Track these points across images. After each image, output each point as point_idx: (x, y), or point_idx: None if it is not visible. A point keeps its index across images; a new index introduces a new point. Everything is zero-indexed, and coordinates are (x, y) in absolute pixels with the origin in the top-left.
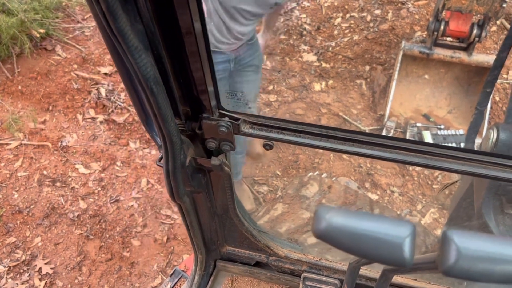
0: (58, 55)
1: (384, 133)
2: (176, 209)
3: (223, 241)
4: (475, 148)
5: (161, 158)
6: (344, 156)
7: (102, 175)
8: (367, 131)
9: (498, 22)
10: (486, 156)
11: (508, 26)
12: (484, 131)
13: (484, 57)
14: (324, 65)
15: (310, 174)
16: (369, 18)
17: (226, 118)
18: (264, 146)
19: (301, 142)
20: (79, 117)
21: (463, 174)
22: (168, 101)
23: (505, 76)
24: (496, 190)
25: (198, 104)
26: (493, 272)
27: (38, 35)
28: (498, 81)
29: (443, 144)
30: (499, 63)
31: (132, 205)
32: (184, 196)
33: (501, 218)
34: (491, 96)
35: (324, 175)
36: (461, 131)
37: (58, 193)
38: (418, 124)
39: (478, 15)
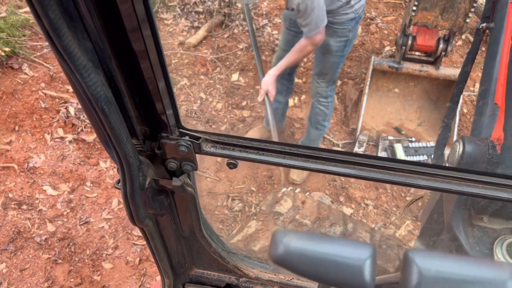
0: (25, 73)
1: (356, 147)
2: None
3: (191, 263)
4: (445, 160)
5: (119, 181)
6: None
7: (71, 196)
8: (340, 145)
9: (463, 37)
10: (453, 172)
11: (472, 39)
12: (453, 141)
13: (451, 70)
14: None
15: (284, 189)
16: None
17: (187, 137)
18: (228, 165)
19: (264, 160)
20: (47, 137)
21: (432, 190)
22: (123, 121)
23: (471, 88)
24: (465, 203)
25: (156, 123)
26: None
27: (3, 54)
28: (465, 93)
29: (414, 155)
30: (464, 77)
31: (103, 227)
32: (145, 220)
33: (470, 230)
34: (458, 109)
35: (298, 190)
36: (432, 143)
37: (24, 216)
38: (389, 137)
39: (444, 30)
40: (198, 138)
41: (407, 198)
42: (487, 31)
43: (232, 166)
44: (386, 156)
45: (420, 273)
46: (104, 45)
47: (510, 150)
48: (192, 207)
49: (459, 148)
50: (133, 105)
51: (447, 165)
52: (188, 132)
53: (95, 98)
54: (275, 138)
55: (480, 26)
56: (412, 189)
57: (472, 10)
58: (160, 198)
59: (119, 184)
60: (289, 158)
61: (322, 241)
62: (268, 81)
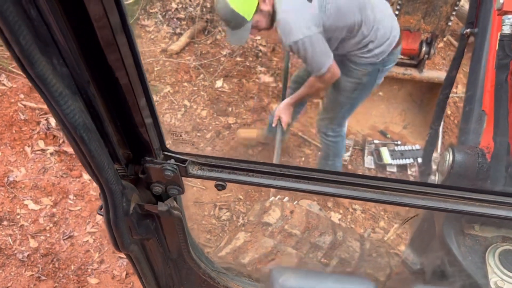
0: (3, 84)
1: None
2: None
3: (179, 285)
4: (432, 166)
5: (101, 207)
6: None
7: (54, 210)
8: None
9: (445, 39)
10: (444, 190)
11: (454, 42)
12: (439, 146)
13: (434, 73)
14: (281, 85)
15: (272, 198)
16: None
17: (172, 161)
18: (216, 186)
19: (255, 182)
20: (28, 149)
21: (421, 208)
22: (104, 147)
23: (454, 90)
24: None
25: (139, 146)
26: None
27: None
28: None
29: (400, 159)
30: (449, 82)
31: (87, 241)
32: (131, 246)
33: (461, 239)
34: (444, 114)
35: (286, 199)
36: (417, 146)
37: (5, 232)
38: (375, 141)
39: (426, 33)
40: (184, 161)
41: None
42: (472, 36)
43: (221, 187)
44: (372, 160)
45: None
46: (82, 69)
47: (500, 159)
48: (180, 229)
49: (449, 158)
50: (114, 129)
51: (436, 173)
52: (173, 155)
53: (73, 126)
54: (276, 160)
55: (464, 32)
56: None
57: (454, 13)
58: (145, 222)
59: (102, 210)
60: (280, 179)
61: (319, 279)
62: (282, 109)
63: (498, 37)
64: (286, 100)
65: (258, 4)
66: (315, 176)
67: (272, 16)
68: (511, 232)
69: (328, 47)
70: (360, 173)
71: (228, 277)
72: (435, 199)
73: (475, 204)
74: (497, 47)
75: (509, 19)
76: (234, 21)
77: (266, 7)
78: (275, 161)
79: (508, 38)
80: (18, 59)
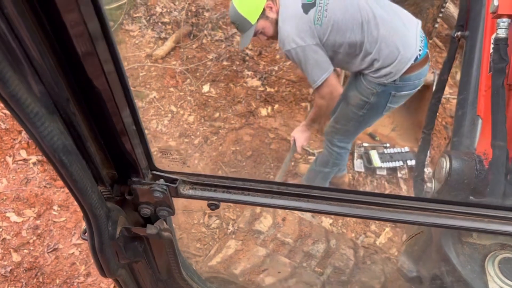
0: None
1: None
2: None
3: None
4: (425, 172)
5: (85, 231)
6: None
7: (38, 222)
8: (316, 153)
9: (431, 41)
10: (440, 205)
11: (440, 44)
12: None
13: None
14: (269, 89)
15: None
16: None
17: (161, 180)
18: (209, 206)
19: (250, 201)
20: (9, 159)
21: (412, 224)
22: (87, 169)
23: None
24: None
25: (125, 166)
26: None
27: None
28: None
29: (390, 161)
30: (441, 86)
31: (73, 253)
32: (117, 270)
33: (460, 247)
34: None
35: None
36: (406, 148)
37: None
38: (364, 144)
39: None
40: (174, 181)
41: None
42: (462, 39)
43: (214, 207)
44: (362, 163)
45: None
46: (60, 87)
47: (499, 166)
48: (170, 251)
49: (446, 165)
50: (97, 148)
51: (433, 180)
52: (162, 174)
53: (52, 149)
54: (279, 177)
55: (455, 35)
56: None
57: (440, 15)
58: (133, 245)
59: (86, 234)
60: (278, 197)
61: None
62: (298, 131)
63: (492, 41)
64: (303, 123)
65: (265, 10)
66: (314, 194)
67: (277, 24)
68: (509, 239)
69: (326, 60)
70: (360, 190)
71: None
72: (431, 214)
73: (471, 219)
74: (491, 51)
75: (503, 22)
76: (240, 24)
77: (272, 15)
78: (277, 178)
79: (503, 42)
80: None
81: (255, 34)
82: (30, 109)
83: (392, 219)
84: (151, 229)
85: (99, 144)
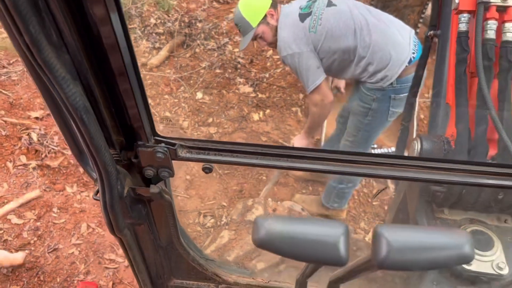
0: None
1: None
2: (120, 251)
3: (169, 274)
4: None
5: (97, 192)
6: (288, 182)
7: (38, 223)
8: None
9: None
10: (412, 161)
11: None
12: None
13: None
14: (260, 95)
15: (255, 198)
16: None
17: (162, 144)
18: (203, 169)
19: (239, 161)
20: (9, 165)
21: (394, 179)
22: (101, 131)
23: (426, 95)
24: (427, 198)
25: (132, 132)
26: (420, 260)
27: None
28: (421, 100)
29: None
30: (417, 81)
31: (73, 252)
32: (124, 229)
33: (433, 223)
34: (415, 113)
35: (269, 199)
36: (393, 149)
37: None
38: None
39: None
40: (173, 145)
41: (374, 203)
42: (435, 38)
43: (208, 170)
44: None
45: (388, 244)
46: (82, 58)
47: (462, 144)
48: (170, 214)
49: (417, 146)
50: (109, 115)
51: None
52: (163, 139)
53: (74, 108)
54: (268, 187)
55: (428, 34)
56: (379, 195)
57: (421, 20)
58: (138, 207)
59: (98, 195)
60: (262, 158)
61: (299, 223)
62: (298, 138)
63: (456, 35)
64: (302, 131)
65: (266, 17)
66: (293, 154)
67: (276, 32)
68: (477, 214)
69: (319, 67)
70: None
71: (216, 264)
72: (407, 170)
73: (444, 173)
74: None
75: (464, 17)
76: (242, 26)
77: (272, 22)
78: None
79: (464, 35)
80: (27, 46)
81: (254, 38)
82: (59, 73)
83: (367, 174)
84: (154, 189)
85: (111, 111)
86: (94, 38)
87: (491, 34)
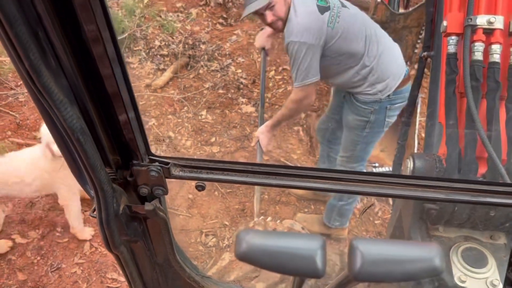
0: None
1: None
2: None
3: None
4: None
5: (94, 209)
6: (290, 201)
7: (42, 243)
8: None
9: (415, 66)
10: (405, 179)
11: None
12: None
13: None
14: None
15: (255, 219)
16: None
17: (156, 163)
18: (196, 187)
19: (229, 179)
20: None
21: (387, 197)
22: (97, 151)
23: (424, 112)
24: (421, 215)
25: (127, 152)
26: (394, 271)
27: None
28: (422, 119)
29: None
30: (412, 101)
31: (75, 272)
32: (120, 246)
33: (428, 240)
34: (415, 131)
35: (269, 219)
36: None
37: None
38: None
39: None
40: (167, 164)
41: (376, 222)
42: (429, 58)
43: (201, 188)
44: None
45: (362, 256)
46: (79, 82)
47: (453, 162)
48: (165, 231)
49: (410, 164)
50: (105, 136)
51: None
52: (157, 158)
53: (72, 129)
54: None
55: (422, 55)
56: (380, 213)
57: (419, 41)
58: (134, 224)
59: (95, 212)
60: (252, 176)
61: (279, 237)
62: (262, 130)
63: (445, 57)
64: (267, 122)
65: None
66: (285, 172)
67: (288, 13)
68: (471, 231)
69: (317, 67)
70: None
71: (212, 281)
72: (400, 188)
73: (436, 191)
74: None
75: (452, 39)
76: None
77: None
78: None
79: (453, 56)
80: (27, 72)
81: (266, 7)
82: (57, 97)
83: (362, 192)
84: (148, 206)
85: (107, 132)
86: (90, 64)
87: (478, 55)
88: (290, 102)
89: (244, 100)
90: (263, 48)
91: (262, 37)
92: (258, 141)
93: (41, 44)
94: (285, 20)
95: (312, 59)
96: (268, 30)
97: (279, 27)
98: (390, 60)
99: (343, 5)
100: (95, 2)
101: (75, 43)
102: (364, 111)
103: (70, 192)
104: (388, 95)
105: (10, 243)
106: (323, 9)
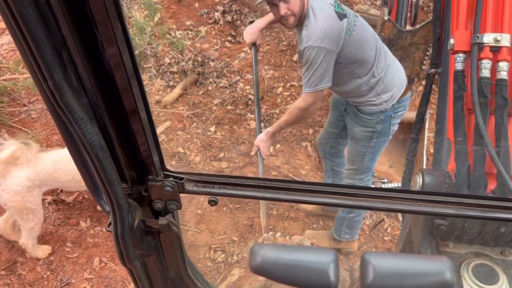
0: (3, 139)
1: None
2: (131, 286)
3: None
4: None
5: (109, 224)
6: (299, 216)
7: (52, 258)
8: None
9: (423, 83)
10: (413, 194)
11: None
12: None
13: (414, 113)
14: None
15: (265, 235)
16: None
17: (171, 178)
18: (209, 202)
19: (242, 194)
20: None
21: (396, 212)
22: (114, 166)
23: (432, 128)
24: (431, 231)
25: (143, 167)
26: (405, 285)
27: None
28: (430, 134)
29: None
30: (420, 118)
31: (85, 287)
32: (134, 260)
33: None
34: (424, 147)
35: (278, 234)
36: None
37: (3, 282)
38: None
39: None
40: (181, 179)
41: (385, 238)
42: (436, 76)
43: (213, 203)
44: None
45: (374, 270)
46: (99, 101)
47: (462, 178)
48: (178, 246)
49: (420, 180)
50: (122, 152)
51: None
52: (171, 174)
53: (91, 145)
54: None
55: (430, 72)
56: (389, 229)
57: (426, 58)
58: (147, 238)
59: (110, 226)
60: (264, 191)
61: (293, 250)
62: (261, 138)
63: (453, 74)
64: (268, 129)
65: None
66: (295, 187)
67: (302, 11)
68: (482, 248)
69: (330, 74)
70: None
71: None
72: (409, 203)
73: (445, 207)
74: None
75: (460, 57)
76: None
77: None
78: (262, 213)
79: (461, 73)
80: (51, 91)
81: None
82: (78, 115)
83: (370, 207)
84: (162, 221)
85: (124, 148)
86: (109, 83)
87: (486, 73)
88: (296, 108)
89: (252, 116)
90: (254, 44)
91: (252, 31)
92: (259, 150)
93: (64, 64)
94: (297, 17)
95: (328, 65)
96: (259, 24)
97: (289, 23)
98: (396, 72)
99: (356, 15)
100: (116, 24)
101: (96, 63)
102: (370, 121)
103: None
104: (393, 105)
105: (49, 249)
106: (341, 16)
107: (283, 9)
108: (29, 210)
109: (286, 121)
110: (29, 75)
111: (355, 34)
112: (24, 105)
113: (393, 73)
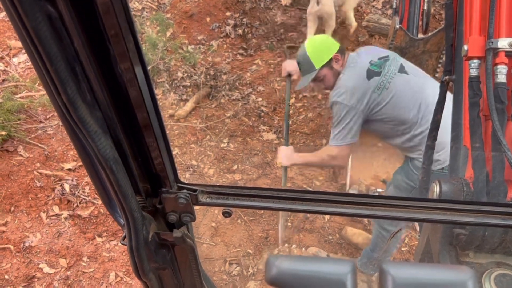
0: (21, 155)
1: None
2: None
3: None
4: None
5: (124, 237)
6: (314, 228)
7: (68, 273)
8: None
9: None
10: (431, 203)
11: None
12: None
13: None
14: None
15: (280, 247)
16: (320, 96)
17: (184, 190)
18: (223, 213)
19: (256, 205)
20: (43, 215)
21: (412, 221)
22: (128, 179)
23: None
24: (450, 240)
25: (157, 180)
26: None
27: None
28: None
29: None
30: (435, 125)
31: None
32: (149, 273)
33: None
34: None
35: (294, 246)
36: None
37: None
38: (378, 190)
39: None
40: (195, 191)
41: (403, 249)
42: (451, 82)
43: (227, 215)
44: None
45: (393, 280)
46: (112, 114)
47: (480, 185)
48: (192, 258)
49: (437, 189)
50: (136, 165)
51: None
52: (185, 186)
53: (105, 159)
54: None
55: (444, 79)
56: (406, 239)
57: (439, 65)
58: (162, 251)
59: (125, 240)
60: (278, 202)
61: (309, 261)
62: (286, 155)
63: (468, 80)
64: (297, 154)
65: (331, 60)
66: (310, 197)
67: (338, 76)
68: (504, 257)
69: (357, 132)
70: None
71: None
72: (426, 212)
73: (464, 215)
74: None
75: (474, 63)
76: (304, 65)
77: (336, 66)
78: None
79: (476, 79)
80: (65, 105)
81: (314, 80)
82: (91, 129)
83: (388, 216)
84: (177, 233)
85: (138, 161)
86: (123, 97)
87: (502, 78)
88: (324, 154)
89: (265, 127)
90: (289, 75)
91: (290, 65)
92: (285, 167)
93: (77, 79)
94: (333, 84)
95: (351, 121)
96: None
97: (330, 89)
98: (445, 132)
99: (401, 71)
100: (129, 38)
101: (109, 77)
102: (414, 176)
103: None
104: (442, 168)
105: None
106: (372, 74)
107: (319, 87)
108: None
109: (311, 161)
110: (45, 92)
111: (386, 93)
112: (41, 122)
113: (443, 132)
